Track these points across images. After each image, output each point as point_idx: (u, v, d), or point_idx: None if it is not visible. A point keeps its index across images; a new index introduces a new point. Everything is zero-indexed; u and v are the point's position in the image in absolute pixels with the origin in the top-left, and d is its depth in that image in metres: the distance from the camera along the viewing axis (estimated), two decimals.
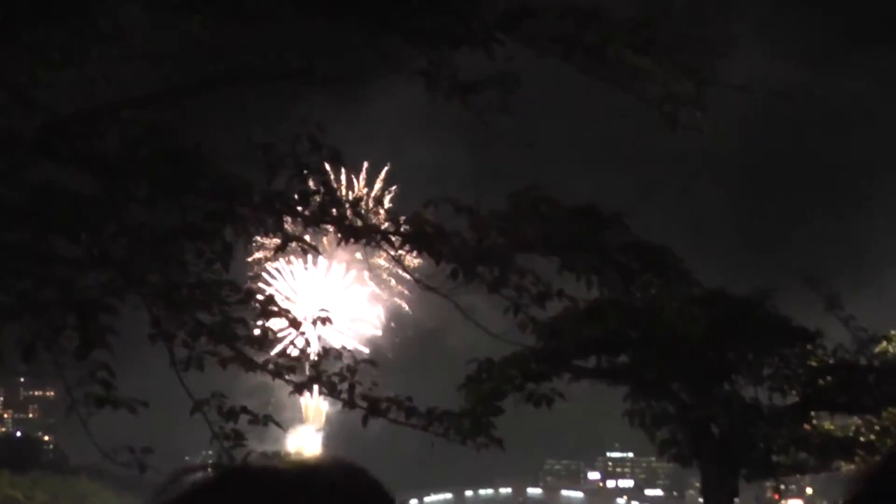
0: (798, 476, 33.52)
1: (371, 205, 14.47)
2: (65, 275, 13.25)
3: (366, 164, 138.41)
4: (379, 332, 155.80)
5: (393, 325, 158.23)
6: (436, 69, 13.35)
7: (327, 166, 14.19)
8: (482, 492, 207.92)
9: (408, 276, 14.91)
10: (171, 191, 13.54)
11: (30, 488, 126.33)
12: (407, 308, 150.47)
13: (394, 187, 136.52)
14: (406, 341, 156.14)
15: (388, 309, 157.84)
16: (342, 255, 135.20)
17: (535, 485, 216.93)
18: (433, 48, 13.30)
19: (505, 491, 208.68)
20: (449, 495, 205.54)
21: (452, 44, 13.28)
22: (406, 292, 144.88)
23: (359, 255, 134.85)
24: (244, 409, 14.20)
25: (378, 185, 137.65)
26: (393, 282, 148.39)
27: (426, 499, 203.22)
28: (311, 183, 13.96)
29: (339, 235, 14.31)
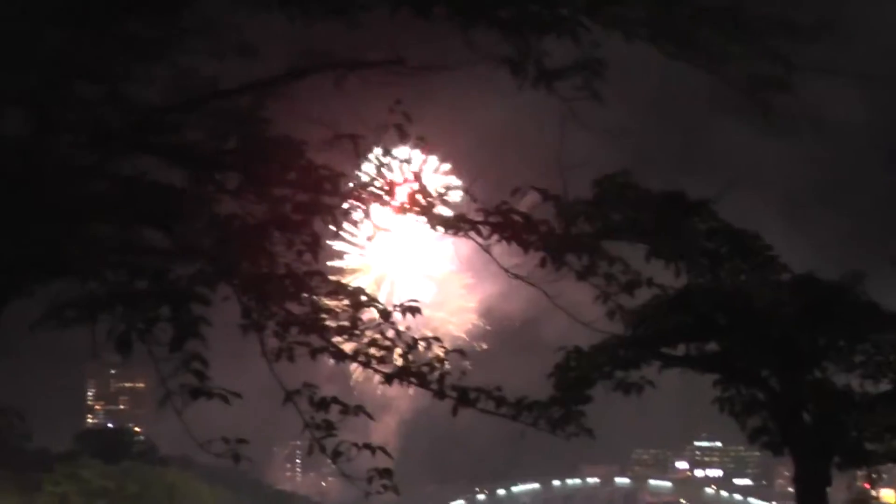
0: (891, 465, 32.96)
1: (459, 194, 14.46)
2: (157, 266, 13.38)
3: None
4: (470, 323, 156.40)
5: (483, 315, 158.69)
6: (522, 57, 13.32)
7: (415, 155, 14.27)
8: (570, 482, 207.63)
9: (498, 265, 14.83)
10: (260, 182, 13.64)
11: (121, 478, 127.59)
12: (497, 298, 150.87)
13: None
14: (497, 331, 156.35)
15: (480, 299, 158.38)
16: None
17: (622, 474, 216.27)
18: (519, 36, 13.26)
19: (592, 480, 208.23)
20: (536, 485, 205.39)
21: (539, 31, 13.24)
22: (497, 282, 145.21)
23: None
24: (335, 400, 14.21)
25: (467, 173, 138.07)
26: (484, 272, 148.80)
27: (514, 489, 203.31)
28: (398, 172, 14.01)
29: (428, 225, 14.35)
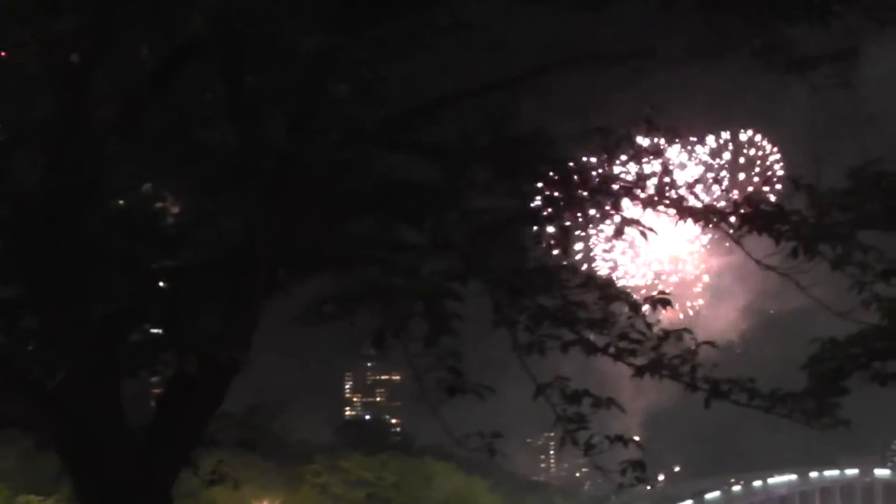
0: None
1: (709, 185, 14.38)
2: (410, 262, 13.59)
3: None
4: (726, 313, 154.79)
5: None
6: (772, 47, 13.17)
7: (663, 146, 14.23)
8: (827, 473, 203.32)
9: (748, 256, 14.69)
10: (510, 177, 13.73)
11: (379, 469, 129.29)
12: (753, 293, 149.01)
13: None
14: (745, 320, 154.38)
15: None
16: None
17: (882, 465, 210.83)
18: (770, 25, 13.12)
19: (851, 472, 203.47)
20: (793, 477, 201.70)
21: (789, 20, 13.07)
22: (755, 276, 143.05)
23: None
24: (587, 392, 14.18)
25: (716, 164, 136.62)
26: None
27: (770, 480, 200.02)
28: (647, 164, 13.99)
29: (677, 216, 14.28)
